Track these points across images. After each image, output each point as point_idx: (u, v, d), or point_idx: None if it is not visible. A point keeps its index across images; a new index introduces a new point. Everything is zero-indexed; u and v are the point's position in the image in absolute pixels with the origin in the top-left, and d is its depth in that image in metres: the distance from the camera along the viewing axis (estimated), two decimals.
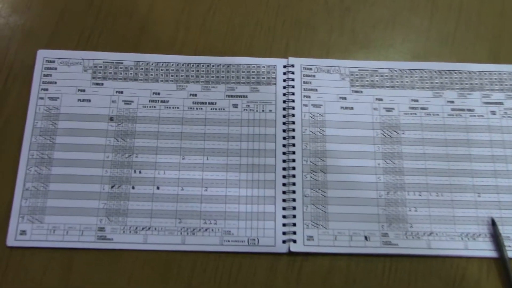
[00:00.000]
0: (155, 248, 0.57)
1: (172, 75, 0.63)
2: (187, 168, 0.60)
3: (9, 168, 0.59)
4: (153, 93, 0.62)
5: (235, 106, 0.62)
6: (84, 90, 0.62)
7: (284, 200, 0.59)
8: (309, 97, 0.63)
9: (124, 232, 0.57)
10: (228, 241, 0.57)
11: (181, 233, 0.57)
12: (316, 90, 0.63)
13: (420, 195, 0.60)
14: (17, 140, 0.60)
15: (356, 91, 0.64)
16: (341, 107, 0.63)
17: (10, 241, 0.56)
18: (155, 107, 0.62)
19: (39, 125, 0.61)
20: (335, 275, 0.57)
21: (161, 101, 0.62)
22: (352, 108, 0.63)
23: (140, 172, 0.59)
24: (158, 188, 0.59)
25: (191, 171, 0.60)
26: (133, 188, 0.59)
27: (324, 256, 0.58)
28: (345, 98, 0.63)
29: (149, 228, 0.57)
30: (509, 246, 0.57)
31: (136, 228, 0.57)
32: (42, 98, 0.62)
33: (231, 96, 0.63)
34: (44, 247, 0.57)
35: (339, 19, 0.67)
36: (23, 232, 0.57)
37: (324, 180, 0.60)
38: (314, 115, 0.62)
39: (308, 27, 0.67)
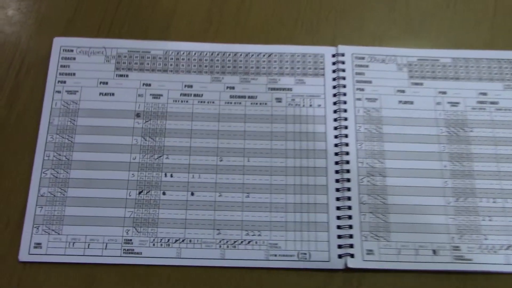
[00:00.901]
0: (190, 264, 0.49)
1: (206, 66, 0.56)
2: (226, 171, 0.52)
3: (22, 171, 0.51)
4: (185, 85, 0.55)
5: (279, 100, 0.55)
6: (106, 83, 0.55)
7: (338, 208, 0.51)
8: (362, 90, 0.55)
9: (154, 245, 0.49)
10: (275, 255, 0.49)
11: (220, 246, 0.49)
12: (371, 82, 0.56)
13: (494, 202, 0.51)
14: (31, 139, 0.53)
15: (416, 83, 0.56)
16: (400, 102, 0.55)
17: (23, 255, 0.49)
18: (187, 101, 0.54)
19: (56, 122, 0.53)
20: None
21: (194, 95, 0.54)
22: (412, 102, 0.55)
23: (171, 176, 0.52)
24: (192, 194, 0.51)
25: (230, 175, 0.52)
26: (163, 194, 0.51)
27: (386, 273, 0.50)
28: (403, 91, 0.55)
29: (183, 241, 0.49)
30: None
31: (168, 240, 0.49)
32: (59, 92, 0.54)
33: (274, 89, 0.55)
34: (62, 262, 0.49)
35: (391, 4, 0.59)
36: (38, 245, 0.49)
37: (383, 185, 0.52)
38: (369, 111, 0.54)
39: (356, 12, 0.59)
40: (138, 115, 0.54)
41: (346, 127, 0.54)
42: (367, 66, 0.56)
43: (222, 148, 0.53)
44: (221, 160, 0.52)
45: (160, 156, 0.53)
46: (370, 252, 0.50)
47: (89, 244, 0.49)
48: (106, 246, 0.49)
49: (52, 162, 0.52)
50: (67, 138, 0.53)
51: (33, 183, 0.51)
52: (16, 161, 0.52)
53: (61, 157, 0.52)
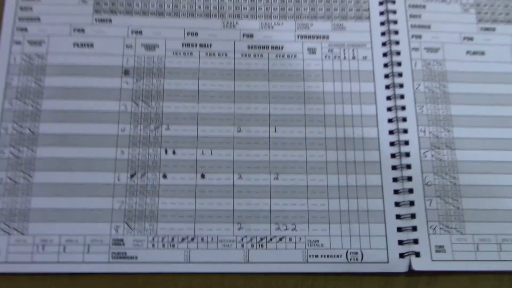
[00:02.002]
0: (203, 270, 0.37)
1: (215, 7, 0.42)
2: (246, 144, 0.39)
3: None
4: (188, 33, 0.41)
5: (312, 51, 0.41)
6: (83, 30, 0.41)
7: (396, 192, 0.38)
8: (419, 37, 0.42)
9: (154, 246, 0.36)
10: (316, 256, 0.37)
11: (242, 246, 0.37)
12: (429, 27, 0.43)
13: None
14: None
15: (487, 29, 0.43)
16: (467, 52, 0.42)
17: None
18: (191, 54, 0.41)
19: (15, 83, 0.39)
20: None
21: (201, 45, 0.41)
22: (482, 53, 0.42)
23: (174, 153, 0.38)
24: (203, 176, 0.38)
25: (252, 150, 0.39)
26: (164, 177, 0.38)
27: (462, 276, 0.37)
28: (471, 39, 0.43)
29: (192, 239, 0.37)
30: None
31: (173, 239, 0.36)
32: (18, 43, 0.40)
33: (305, 36, 0.42)
34: (28, 273, 0.36)
35: None
36: None
37: (452, 160, 0.39)
38: (429, 64, 0.42)
39: None
40: (126, 73, 0.40)
41: (401, 86, 0.41)
42: (423, 6, 0.43)
43: (240, 115, 0.40)
44: (239, 131, 0.39)
45: (158, 127, 0.39)
46: (440, 248, 0.38)
47: (64, 247, 0.36)
48: (88, 249, 0.36)
49: (11, 137, 0.38)
50: (31, 105, 0.39)
51: None
52: None
53: (24, 129, 0.38)
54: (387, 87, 0.41)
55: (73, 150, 0.38)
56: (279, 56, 0.42)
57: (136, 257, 0.37)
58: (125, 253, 0.37)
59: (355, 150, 0.40)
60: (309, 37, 0.42)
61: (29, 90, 0.40)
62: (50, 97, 0.39)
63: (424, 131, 0.40)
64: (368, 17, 0.43)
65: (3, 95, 0.39)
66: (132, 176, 0.38)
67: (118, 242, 0.37)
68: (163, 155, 0.39)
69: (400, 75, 0.42)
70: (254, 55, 0.41)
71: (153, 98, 0.40)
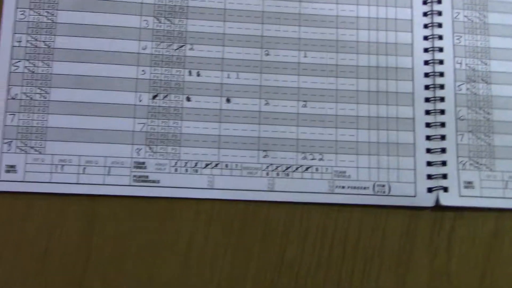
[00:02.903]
0: (226, 197, 0.35)
1: None
2: (274, 69, 0.37)
3: None
4: None
5: None
6: None
7: (428, 125, 0.37)
8: None
9: (176, 170, 0.35)
10: (342, 187, 0.36)
11: (267, 174, 0.36)
12: None
13: None
14: None
15: None
16: None
17: None
18: None
19: None
20: (505, 240, 0.36)
21: None
22: None
23: (198, 75, 0.36)
24: (228, 100, 0.36)
25: (280, 75, 0.37)
26: (188, 99, 0.36)
27: (489, 213, 0.37)
28: None
29: (216, 165, 0.35)
30: None
31: (196, 164, 0.35)
32: None
33: None
34: (47, 193, 0.34)
35: None
36: (12, 168, 0.34)
37: (487, 94, 0.38)
38: None
39: None
40: None
41: (439, 13, 0.39)
42: None
43: (268, 37, 0.38)
44: (267, 54, 0.37)
45: (182, 46, 0.37)
46: (468, 184, 0.37)
47: (84, 168, 0.35)
48: (109, 171, 0.35)
49: (25, 50, 0.36)
50: (45, 16, 0.36)
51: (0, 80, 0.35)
52: None
53: (38, 42, 0.36)
54: (425, 14, 0.39)
55: (91, 67, 0.36)
56: None
57: (158, 181, 0.35)
58: (147, 177, 0.35)
59: (387, 80, 0.38)
60: None
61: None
62: (66, 9, 0.37)
63: (461, 63, 0.38)
64: None
65: (15, 3, 0.36)
66: (154, 97, 0.36)
67: (140, 165, 0.35)
68: (187, 76, 0.37)
69: (439, 1, 0.39)
70: None
71: (176, 14, 0.37)
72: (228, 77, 0.37)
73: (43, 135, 0.35)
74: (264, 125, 0.37)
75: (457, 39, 0.39)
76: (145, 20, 0.37)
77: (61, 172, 0.35)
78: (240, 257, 0.35)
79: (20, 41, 0.36)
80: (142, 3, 0.37)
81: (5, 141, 0.35)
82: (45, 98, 0.35)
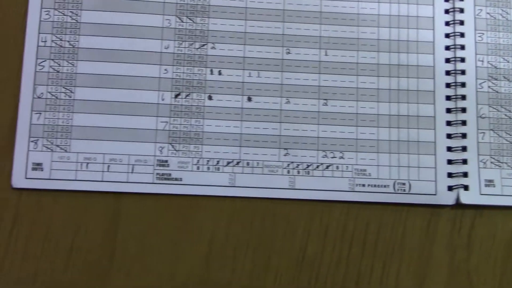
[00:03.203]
0: (247, 194, 0.36)
1: None
2: (295, 67, 0.37)
3: (9, 61, 0.36)
4: None
5: None
6: None
7: (449, 123, 0.37)
8: None
9: (198, 168, 0.36)
10: (363, 185, 0.36)
11: (288, 172, 0.36)
12: None
13: None
14: (18, 16, 0.37)
15: None
16: None
17: (18, 180, 0.35)
18: None
19: None
20: None
21: None
22: None
23: (220, 73, 0.37)
24: (249, 99, 0.37)
25: (300, 73, 0.37)
26: (210, 98, 0.36)
27: (510, 211, 0.37)
28: None
29: (238, 163, 0.36)
30: None
31: (218, 162, 0.36)
32: None
33: None
34: (72, 190, 0.35)
35: None
36: (38, 166, 0.35)
37: (509, 92, 0.38)
38: None
39: None
40: None
41: (461, 11, 0.38)
42: None
43: (289, 36, 0.38)
44: (288, 53, 0.37)
45: (204, 45, 0.37)
46: (489, 183, 0.37)
47: (109, 166, 0.36)
48: (132, 169, 0.36)
49: (50, 50, 0.36)
50: (70, 15, 0.37)
51: (25, 79, 0.36)
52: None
53: (63, 42, 0.37)
54: (447, 11, 0.39)
55: (115, 66, 0.37)
56: None
57: (181, 179, 0.36)
58: (170, 174, 0.36)
59: (408, 78, 0.38)
60: None
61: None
62: (90, 8, 0.37)
63: (482, 61, 0.38)
64: None
65: (40, 4, 0.37)
66: (176, 96, 0.37)
67: (163, 163, 0.36)
68: (209, 75, 0.37)
69: None
70: None
71: (198, 13, 0.38)
72: (249, 76, 0.37)
73: (68, 133, 0.36)
74: (285, 123, 0.37)
75: (479, 36, 0.38)
76: (167, 20, 0.37)
77: (86, 170, 0.35)
78: (261, 254, 0.36)
79: (45, 41, 0.36)
80: (164, 2, 0.37)
81: (32, 139, 0.35)
82: (70, 97, 0.36)
